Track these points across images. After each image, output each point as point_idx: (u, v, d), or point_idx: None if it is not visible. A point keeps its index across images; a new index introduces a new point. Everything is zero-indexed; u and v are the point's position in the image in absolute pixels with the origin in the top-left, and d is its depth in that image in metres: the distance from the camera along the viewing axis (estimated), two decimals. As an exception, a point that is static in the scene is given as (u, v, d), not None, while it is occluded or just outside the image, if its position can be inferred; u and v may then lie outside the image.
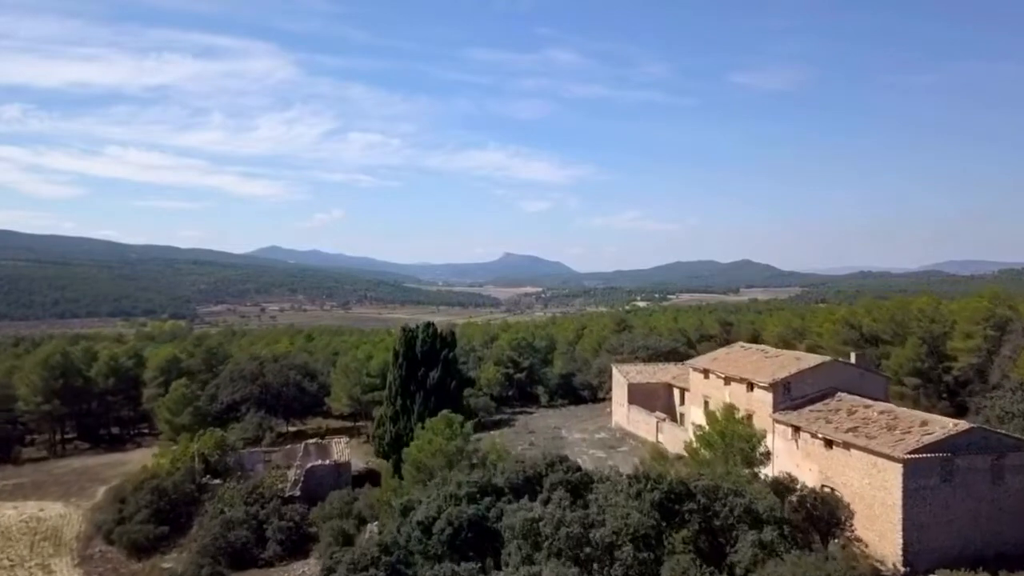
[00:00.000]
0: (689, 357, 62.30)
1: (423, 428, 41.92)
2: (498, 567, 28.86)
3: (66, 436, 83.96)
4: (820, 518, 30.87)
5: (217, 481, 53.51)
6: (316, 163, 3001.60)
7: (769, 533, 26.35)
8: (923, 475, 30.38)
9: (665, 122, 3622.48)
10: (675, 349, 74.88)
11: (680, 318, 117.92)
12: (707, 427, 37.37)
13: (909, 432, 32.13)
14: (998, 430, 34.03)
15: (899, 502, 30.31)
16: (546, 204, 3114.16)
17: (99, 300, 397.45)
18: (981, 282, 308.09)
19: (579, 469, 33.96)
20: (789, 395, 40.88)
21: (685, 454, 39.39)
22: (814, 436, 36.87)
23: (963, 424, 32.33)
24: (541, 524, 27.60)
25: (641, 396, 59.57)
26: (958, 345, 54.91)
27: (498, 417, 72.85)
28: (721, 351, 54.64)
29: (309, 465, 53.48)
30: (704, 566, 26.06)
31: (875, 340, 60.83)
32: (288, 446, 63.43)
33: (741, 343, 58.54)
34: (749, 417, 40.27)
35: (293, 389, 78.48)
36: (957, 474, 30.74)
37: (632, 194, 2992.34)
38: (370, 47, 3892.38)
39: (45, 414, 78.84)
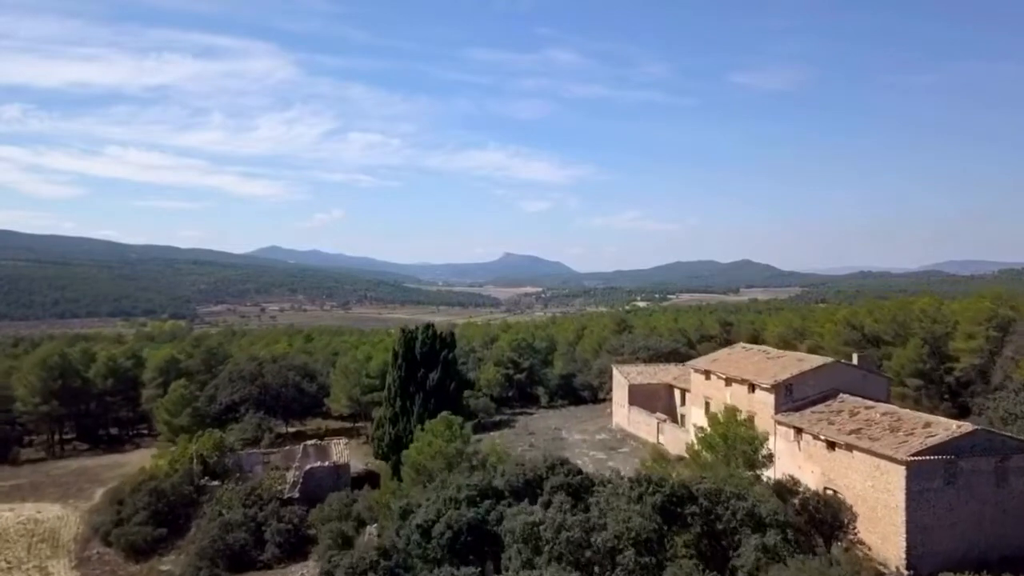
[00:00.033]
0: (690, 358, 62.06)
1: (422, 430, 41.66)
2: (498, 571, 28.60)
3: (65, 437, 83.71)
4: (823, 521, 30.66)
5: (216, 483, 53.20)
6: (316, 163, 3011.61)
7: (772, 537, 26.09)
8: (926, 477, 30.15)
9: (665, 122, 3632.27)
10: (676, 350, 74.65)
11: (680, 318, 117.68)
12: (708, 429, 37.11)
13: (912, 434, 31.89)
14: (1002, 432, 33.80)
15: (902, 505, 30.10)
16: (546, 204, 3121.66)
17: (99, 300, 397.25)
18: (981, 282, 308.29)
19: (580, 472, 33.67)
20: (791, 396, 40.65)
21: (686, 455, 39.15)
22: (816, 438, 36.64)
23: (967, 426, 32.07)
24: (542, 528, 27.34)
25: (642, 397, 59.35)
26: (960, 346, 54.65)
27: (498, 418, 72.61)
28: (722, 352, 54.40)
29: (308, 467, 53.17)
30: (706, 570, 25.82)
31: (876, 341, 60.59)
32: (287, 447, 63.09)
33: (742, 344, 58.29)
34: (751, 419, 40.02)
35: (292, 390, 78.25)
36: (961, 476, 30.53)
37: (632, 194, 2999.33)
38: (370, 47, 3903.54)
39: (43, 415, 78.58)
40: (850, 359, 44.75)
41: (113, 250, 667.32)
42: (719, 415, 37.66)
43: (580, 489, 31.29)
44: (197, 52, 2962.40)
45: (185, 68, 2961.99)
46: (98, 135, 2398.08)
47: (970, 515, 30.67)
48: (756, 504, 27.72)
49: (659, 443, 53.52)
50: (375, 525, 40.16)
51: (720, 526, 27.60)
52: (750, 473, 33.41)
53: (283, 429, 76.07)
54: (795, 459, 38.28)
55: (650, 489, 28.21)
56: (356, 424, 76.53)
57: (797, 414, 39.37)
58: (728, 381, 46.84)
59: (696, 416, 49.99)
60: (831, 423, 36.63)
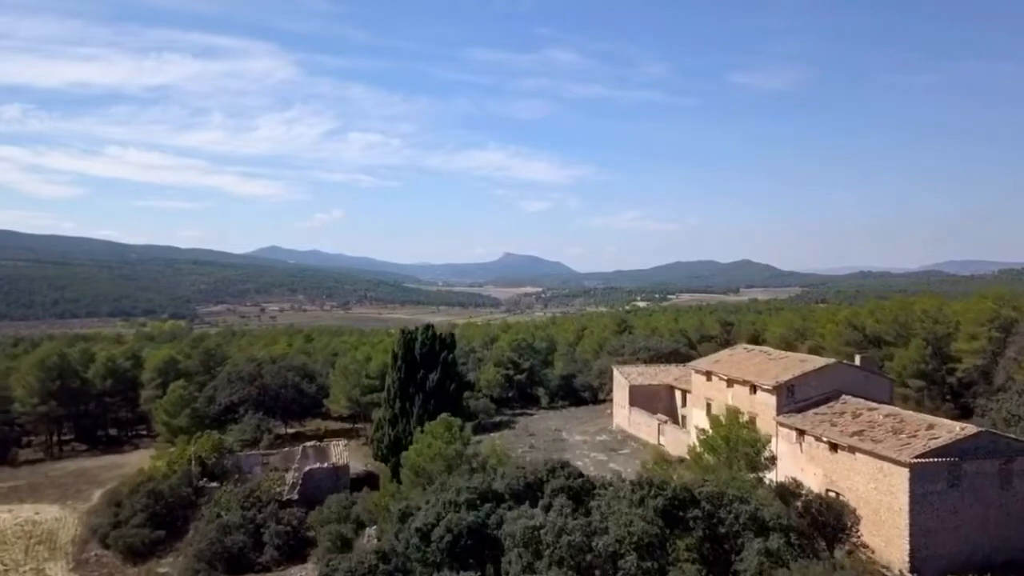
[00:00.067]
0: (690, 358, 61.84)
1: (422, 431, 41.38)
2: (498, 575, 28.34)
3: (63, 438, 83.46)
4: (826, 524, 30.36)
5: (214, 484, 52.91)
6: (316, 163, 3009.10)
7: (775, 541, 25.79)
8: (930, 480, 29.92)
9: (665, 122, 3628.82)
10: (676, 350, 74.44)
11: (681, 319, 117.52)
12: (710, 430, 36.87)
13: (915, 436, 31.65)
14: (1006, 434, 33.54)
15: (906, 507, 29.86)
16: (546, 204, 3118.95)
17: (99, 300, 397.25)
18: (981, 282, 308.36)
19: (581, 475, 33.37)
20: (793, 398, 40.40)
21: (687, 457, 38.93)
22: (819, 440, 36.39)
23: (970, 428, 31.83)
24: (542, 532, 27.04)
25: (642, 398, 59.12)
26: (962, 346, 54.39)
27: (498, 419, 72.35)
28: (723, 352, 54.16)
29: (307, 468, 52.93)
30: (709, 575, 25.54)
31: (878, 341, 60.34)
32: (286, 448, 62.82)
33: (744, 344, 58.07)
34: (752, 420, 39.82)
35: (291, 391, 77.93)
36: (965, 479, 30.29)
37: (632, 194, 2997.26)
38: (370, 47, 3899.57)
39: (42, 415, 78.32)
40: (852, 360, 44.52)
41: (113, 250, 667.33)
42: (721, 416, 37.42)
43: (581, 492, 30.98)
44: (197, 52, 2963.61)
45: (185, 68, 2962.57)
46: (98, 135, 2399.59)
47: (974, 518, 30.43)
48: (759, 507, 27.42)
49: (660, 444, 53.31)
50: (374, 528, 39.90)
51: (723, 530, 27.31)
52: (752, 476, 33.14)
53: (282, 430, 75.81)
54: (797, 461, 38.02)
55: (652, 492, 27.90)
56: (355, 425, 76.27)
57: (799, 416, 39.11)
58: (729, 382, 46.58)
59: (697, 417, 49.73)
60: (834, 425, 36.38)
